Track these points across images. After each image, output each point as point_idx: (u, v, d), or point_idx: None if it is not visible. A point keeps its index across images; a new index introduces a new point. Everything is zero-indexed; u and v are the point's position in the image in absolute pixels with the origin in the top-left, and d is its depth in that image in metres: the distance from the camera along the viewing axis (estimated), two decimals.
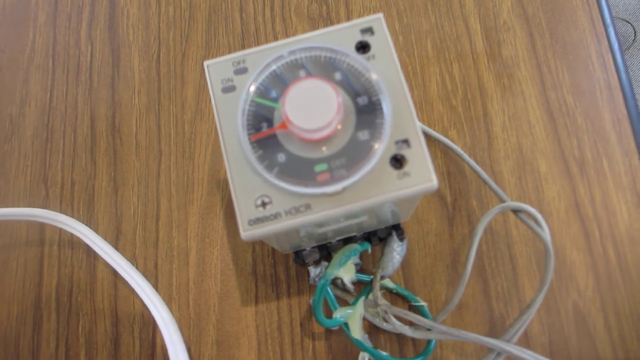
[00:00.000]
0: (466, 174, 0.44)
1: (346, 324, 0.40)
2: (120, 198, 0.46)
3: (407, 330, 0.39)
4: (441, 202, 0.43)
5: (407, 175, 0.29)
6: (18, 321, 0.44)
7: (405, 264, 0.42)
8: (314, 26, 0.49)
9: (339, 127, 0.30)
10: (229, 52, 0.50)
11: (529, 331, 0.40)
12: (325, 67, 0.31)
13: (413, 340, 0.41)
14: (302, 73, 0.31)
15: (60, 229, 0.46)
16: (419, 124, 0.30)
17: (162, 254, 0.44)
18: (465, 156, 0.43)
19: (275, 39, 0.49)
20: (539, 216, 0.39)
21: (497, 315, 0.41)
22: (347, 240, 0.40)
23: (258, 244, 0.44)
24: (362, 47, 0.32)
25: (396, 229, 0.40)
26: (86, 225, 0.46)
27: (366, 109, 0.30)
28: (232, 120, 0.31)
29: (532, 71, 0.46)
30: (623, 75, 0.45)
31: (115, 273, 0.44)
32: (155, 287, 0.44)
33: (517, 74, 0.46)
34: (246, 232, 0.29)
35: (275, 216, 0.29)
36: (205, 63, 0.33)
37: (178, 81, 0.49)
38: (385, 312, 0.39)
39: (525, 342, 0.40)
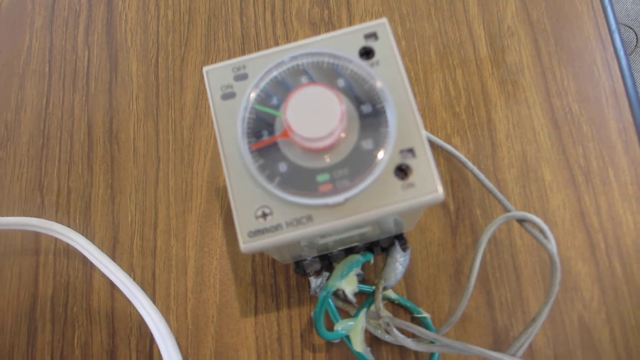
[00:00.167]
0: (469, 182, 0.43)
1: (348, 337, 0.39)
2: (117, 206, 0.46)
3: (409, 343, 0.38)
4: (444, 211, 0.43)
5: (411, 186, 0.28)
6: (12, 332, 0.43)
7: (407, 274, 0.42)
8: (315, 31, 0.49)
9: (342, 135, 0.29)
10: (229, 57, 0.49)
11: (534, 344, 0.39)
12: (327, 73, 0.31)
13: (416, 353, 0.40)
14: (304, 79, 0.31)
15: (56, 238, 0.45)
16: (424, 132, 0.29)
17: (159, 263, 0.44)
18: (469, 164, 0.42)
19: (276, 43, 0.49)
20: (545, 227, 0.38)
21: (501, 327, 0.40)
22: (349, 250, 0.39)
23: (258, 254, 0.43)
24: (366, 53, 0.31)
25: (399, 238, 0.39)
26: (82, 234, 0.45)
27: (370, 117, 0.29)
28: (231, 128, 0.31)
29: (536, 78, 0.45)
30: (629, 82, 0.44)
31: (112, 283, 0.44)
32: (153, 297, 0.43)
33: (521, 81, 0.45)
34: (246, 245, 0.28)
35: (276, 228, 0.29)
36: (205, 69, 0.32)
37: (177, 86, 0.48)
38: (388, 324, 0.38)
39: (530, 355, 0.39)
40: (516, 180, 0.43)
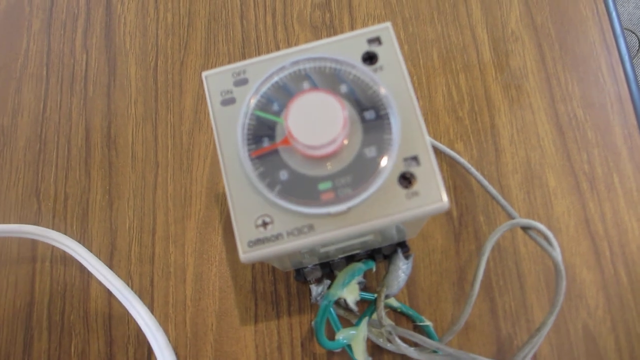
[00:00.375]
0: (473, 188, 0.43)
1: (349, 346, 0.38)
2: (115, 212, 0.45)
3: (412, 352, 0.37)
4: (447, 218, 0.42)
5: (416, 194, 0.28)
6: (8, 341, 0.43)
7: (410, 281, 0.41)
8: (316, 34, 0.48)
9: (345, 142, 0.29)
10: (229, 61, 0.48)
11: (538, 353, 0.39)
12: (330, 78, 0.30)
13: None
14: (305, 85, 0.30)
15: (53, 245, 0.44)
16: (429, 139, 0.28)
17: (158, 270, 0.43)
18: (472, 170, 0.42)
19: (277, 47, 0.48)
20: (550, 234, 0.37)
21: (504, 336, 0.39)
22: (350, 258, 0.39)
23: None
24: (370, 58, 0.30)
25: (401, 246, 0.39)
26: (80, 240, 0.44)
27: (373, 124, 0.29)
28: (231, 135, 0.30)
29: (540, 83, 0.45)
30: (634, 87, 0.44)
31: (109, 291, 0.43)
32: (151, 305, 0.42)
33: (525, 86, 0.45)
34: (245, 255, 0.28)
35: (277, 237, 0.28)
36: (204, 74, 0.31)
37: (176, 90, 0.48)
38: (390, 332, 0.38)
39: None
40: (520, 187, 0.42)
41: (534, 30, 0.46)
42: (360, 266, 0.38)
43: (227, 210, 0.44)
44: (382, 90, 0.29)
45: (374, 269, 0.41)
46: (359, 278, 0.39)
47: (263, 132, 0.29)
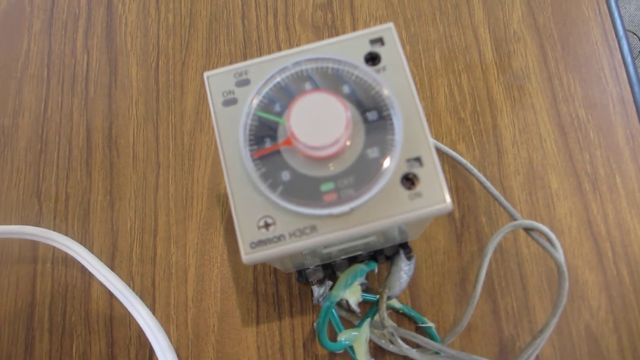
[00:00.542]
0: (475, 189, 0.42)
1: (351, 347, 0.38)
2: (116, 213, 0.45)
3: (414, 354, 0.37)
4: (449, 219, 0.42)
5: (419, 195, 0.28)
6: (9, 342, 0.43)
7: (412, 282, 0.41)
8: (318, 35, 0.48)
9: (348, 143, 0.29)
10: (230, 61, 0.48)
11: (540, 354, 0.39)
12: (332, 79, 0.30)
13: None
14: (308, 86, 0.30)
15: (54, 246, 0.44)
16: (432, 140, 0.28)
17: (159, 271, 0.43)
18: (475, 171, 0.42)
19: (279, 48, 0.48)
20: (552, 236, 0.37)
21: (507, 337, 0.39)
22: (352, 259, 0.39)
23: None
24: (372, 59, 0.30)
25: (404, 247, 0.39)
26: (81, 241, 0.44)
27: (376, 125, 0.29)
28: (233, 135, 0.30)
29: (543, 83, 0.45)
30: (637, 88, 0.44)
31: (111, 292, 0.43)
32: (153, 306, 0.42)
33: (527, 86, 0.45)
34: (248, 256, 0.28)
35: (279, 238, 0.28)
36: (205, 74, 0.31)
37: (177, 91, 0.48)
38: (392, 334, 0.37)
39: None
40: (522, 188, 0.42)
41: (536, 30, 0.46)
42: (362, 267, 0.38)
43: (229, 211, 0.44)
44: (385, 91, 0.29)
45: (376, 270, 0.40)
46: (361, 279, 0.39)
47: (265, 133, 0.29)
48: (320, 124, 0.27)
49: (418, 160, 0.28)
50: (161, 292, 0.43)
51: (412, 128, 0.29)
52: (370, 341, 0.39)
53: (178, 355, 0.41)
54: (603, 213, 0.41)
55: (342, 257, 0.38)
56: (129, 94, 0.48)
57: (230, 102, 0.31)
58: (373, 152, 0.28)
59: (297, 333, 0.41)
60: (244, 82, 0.31)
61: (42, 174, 0.47)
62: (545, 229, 0.38)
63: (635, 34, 1.35)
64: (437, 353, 0.37)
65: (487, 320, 0.40)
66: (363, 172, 0.28)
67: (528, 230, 0.39)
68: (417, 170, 0.28)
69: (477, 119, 0.44)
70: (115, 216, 0.45)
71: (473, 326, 0.40)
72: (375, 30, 0.31)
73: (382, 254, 0.39)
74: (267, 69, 0.31)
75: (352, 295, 0.38)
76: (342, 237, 0.28)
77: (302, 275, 0.39)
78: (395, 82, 0.30)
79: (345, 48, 0.31)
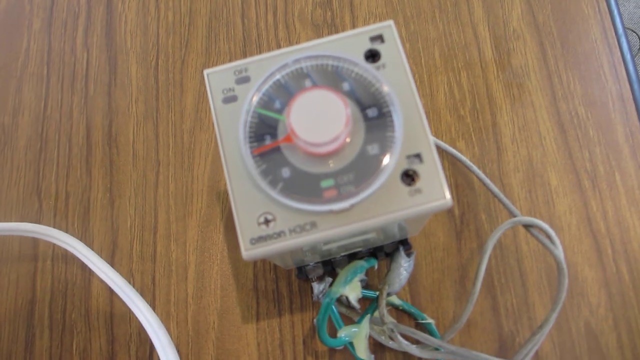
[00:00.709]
0: (475, 186, 0.43)
1: (351, 343, 0.38)
2: (116, 210, 0.45)
3: (414, 350, 0.37)
4: (449, 216, 0.42)
5: (418, 192, 0.28)
6: (10, 340, 0.43)
7: (411, 279, 0.41)
8: (318, 33, 0.48)
9: (347, 140, 0.29)
10: (230, 59, 0.48)
11: (540, 351, 0.39)
12: (332, 76, 0.30)
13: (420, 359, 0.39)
14: (307, 83, 0.30)
15: (54, 243, 0.44)
16: (431, 137, 0.28)
17: (159, 268, 0.43)
18: (474, 168, 0.42)
19: (278, 46, 0.48)
20: (552, 232, 0.37)
21: (506, 333, 0.39)
22: (352, 256, 0.39)
23: (259, 259, 0.42)
24: (372, 56, 0.30)
25: (403, 244, 0.39)
26: (81, 238, 0.44)
27: (376, 121, 0.29)
28: (233, 133, 0.30)
29: (542, 81, 0.45)
30: (636, 86, 0.44)
31: (111, 289, 0.43)
32: (153, 303, 0.42)
33: (527, 84, 0.45)
34: (248, 252, 0.28)
35: (279, 235, 0.28)
36: (205, 72, 0.31)
37: (177, 89, 0.48)
38: (392, 330, 0.38)
39: None
40: (522, 185, 0.42)
41: (536, 28, 0.46)
42: (362, 264, 0.38)
43: (229, 209, 0.44)
44: (385, 88, 0.29)
45: (376, 267, 0.40)
46: (361, 276, 0.39)
47: (265, 130, 0.29)
48: (320, 121, 0.27)
49: (418, 156, 0.28)
50: (161, 290, 0.43)
51: (412, 125, 0.29)
52: (370, 337, 0.39)
53: (178, 352, 0.41)
54: (602, 210, 0.41)
55: (342, 254, 0.38)
56: (129, 92, 0.48)
57: (230, 99, 0.31)
58: (373, 149, 0.28)
59: (297, 329, 0.41)
60: (244, 80, 0.31)
61: (42, 172, 0.47)
62: (544, 225, 0.38)
63: (634, 32, 1.35)
64: (436, 349, 0.37)
65: (487, 316, 0.40)
66: (363, 168, 0.28)
67: (527, 227, 0.39)
68: (416, 166, 0.28)
69: (476, 116, 0.44)
70: (115, 214, 0.45)
71: (473, 322, 0.40)
72: (375, 28, 0.31)
73: (382, 251, 0.39)
74: (267, 66, 0.31)
75: (352, 291, 0.38)
76: (342, 234, 0.28)
77: (302, 272, 0.39)
78: (395, 79, 0.30)
79: (345, 45, 0.31)
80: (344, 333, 0.38)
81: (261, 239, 0.28)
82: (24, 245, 0.45)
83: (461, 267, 0.41)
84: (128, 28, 0.51)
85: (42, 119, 0.48)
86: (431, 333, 0.39)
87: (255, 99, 0.30)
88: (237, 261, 0.43)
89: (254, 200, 0.29)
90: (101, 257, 0.43)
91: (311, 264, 0.38)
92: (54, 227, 0.45)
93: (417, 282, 0.41)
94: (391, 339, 0.38)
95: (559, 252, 0.37)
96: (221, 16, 0.50)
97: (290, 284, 0.42)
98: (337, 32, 0.48)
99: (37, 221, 0.45)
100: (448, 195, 0.28)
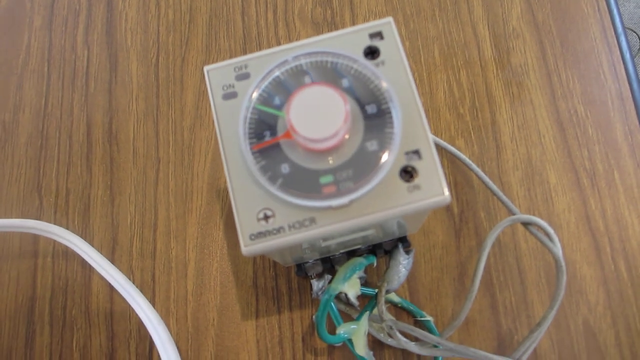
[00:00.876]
0: (474, 184, 0.43)
1: (350, 340, 0.38)
2: (116, 207, 0.45)
3: (412, 347, 0.37)
4: (448, 214, 0.42)
5: (417, 188, 0.28)
6: (10, 336, 0.43)
7: (410, 276, 0.41)
8: (317, 31, 0.48)
9: (347, 136, 0.29)
10: (230, 57, 0.48)
11: (538, 348, 0.39)
12: (331, 73, 0.30)
13: (419, 357, 0.39)
14: (307, 79, 0.30)
15: (55, 240, 0.44)
16: (430, 134, 0.29)
17: (159, 265, 0.43)
18: (473, 166, 0.42)
19: (278, 43, 0.48)
20: (550, 230, 0.37)
21: (505, 331, 0.39)
22: (351, 253, 0.39)
23: (259, 256, 0.43)
24: (371, 53, 0.30)
25: (402, 241, 0.39)
26: (81, 235, 0.44)
27: (375, 118, 0.29)
28: (233, 129, 0.30)
29: (541, 80, 0.45)
30: (635, 85, 0.44)
31: (111, 285, 0.43)
32: (153, 300, 0.42)
33: (526, 82, 0.45)
34: (247, 247, 0.28)
35: (278, 230, 0.28)
36: (206, 68, 0.31)
37: (177, 86, 0.48)
38: (391, 327, 0.38)
39: (535, 359, 0.39)
40: (521, 183, 0.42)
41: (535, 27, 0.46)
42: (361, 261, 0.38)
43: (228, 206, 0.44)
44: (384, 84, 0.29)
45: (375, 264, 0.41)
46: (360, 273, 0.39)
47: (264, 126, 0.29)
48: (319, 117, 0.27)
49: (417, 153, 0.28)
50: (161, 286, 0.43)
51: (410, 121, 0.29)
52: (369, 334, 0.40)
53: (178, 349, 0.41)
54: (601, 208, 0.41)
55: (341, 251, 0.38)
56: (129, 89, 0.48)
57: (230, 95, 0.31)
58: (372, 145, 0.28)
59: (296, 326, 0.41)
60: (243, 76, 0.31)
61: (43, 169, 0.47)
62: (543, 223, 0.38)
63: (634, 32, 1.35)
64: (435, 346, 0.37)
65: (486, 314, 0.40)
66: (362, 164, 0.28)
67: (526, 224, 0.39)
68: (415, 163, 0.28)
69: (476, 114, 0.44)
70: (116, 211, 0.45)
71: (471, 320, 0.40)
72: (374, 25, 0.31)
73: (381, 248, 0.39)
74: (267, 62, 0.31)
75: (351, 288, 0.38)
76: (341, 229, 0.28)
77: (301, 269, 0.39)
78: (394, 76, 0.30)
79: (345, 42, 0.31)
80: (342, 330, 0.38)
81: (260, 234, 0.28)
82: (24, 241, 0.45)
83: (460, 264, 0.41)
84: (128, 26, 0.51)
85: (43, 116, 0.49)
86: (430, 330, 0.39)
87: (255, 95, 0.30)
88: (236, 258, 0.43)
89: (254, 196, 0.29)
90: (101, 253, 0.43)
91: (310, 261, 0.39)
92: (55, 223, 0.45)
93: (416, 280, 0.41)
94: (390, 336, 0.38)
95: (558, 250, 0.37)
96: (221, 14, 0.50)
97: (290, 281, 0.42)
98: (336, 30, 0.48)
99: (38, 218, 0.45)
100: (446, 191, 0.28)
